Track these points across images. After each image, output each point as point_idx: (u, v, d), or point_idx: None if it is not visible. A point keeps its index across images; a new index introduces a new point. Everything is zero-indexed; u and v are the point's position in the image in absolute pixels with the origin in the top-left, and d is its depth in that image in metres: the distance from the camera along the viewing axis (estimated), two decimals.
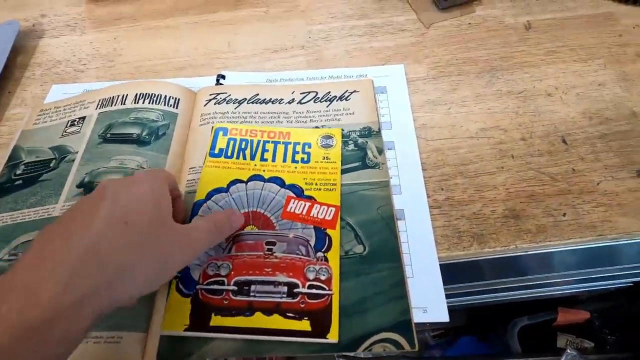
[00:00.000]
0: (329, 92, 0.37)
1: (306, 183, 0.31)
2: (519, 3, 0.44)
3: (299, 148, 0.33)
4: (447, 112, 0.36)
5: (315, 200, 0.30)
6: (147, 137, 0.33)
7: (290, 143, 0.33)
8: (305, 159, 0.32)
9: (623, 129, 0.34)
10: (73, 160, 0.33)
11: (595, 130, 0.34)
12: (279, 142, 0.33)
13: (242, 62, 0.41)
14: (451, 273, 0.29)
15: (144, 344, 0.24)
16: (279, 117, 0.36)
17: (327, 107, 0.36)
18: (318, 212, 0.29)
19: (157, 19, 0.46)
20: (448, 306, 0.26)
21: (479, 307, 0.55)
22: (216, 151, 0.33)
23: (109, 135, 0.34)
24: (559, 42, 0.40)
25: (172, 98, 0.36)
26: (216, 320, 0.25)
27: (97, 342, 0.24)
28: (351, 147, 0.33)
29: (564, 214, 0.29)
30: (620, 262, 0.32)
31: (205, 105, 0.36)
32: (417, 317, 0.26)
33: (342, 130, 0.34)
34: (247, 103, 0.36)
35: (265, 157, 0.32)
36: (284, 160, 0.32)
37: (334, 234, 0.28)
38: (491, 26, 0.42)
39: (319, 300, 0.26)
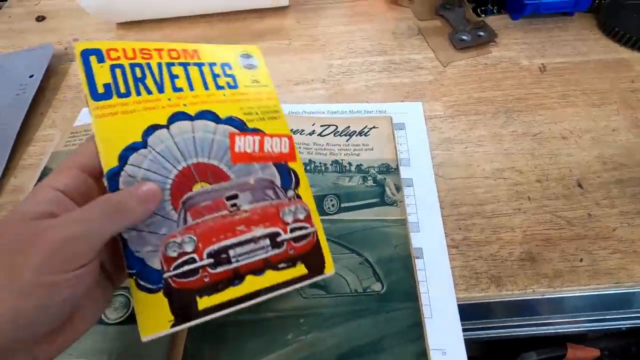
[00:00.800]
0: (349, 127, 0.38)
1: (244, 113, 0.25)
2: (533, 45, 0.45)
3: (217, 70, 0.25)
4: (464, 151, 0.37)
5: (263, 132, 0.25)
6: None
7: (204, 64, 0.25)
8: (232, 84, 0.25)
9: (637, 176, 0.34)
10: None
11: (610, 175, 0.34)
12: (188, 64, 0.25)
13: None
14: (464, 311, 0.29)
15: None
16: (299, 147, 0.37)
17: (346, 141, 0.37)
18: (272, 146, 0.25)
19: None
20: None
21: (486, 341, 0.54)
22: (100, 90, 0.22)
23: None
24: (572, 85, 0.41)
25: None
26: (204, 302, 0.22)
27: None
28: (370, 182, 0.34)
29: (581, 260, 0.30)
30: (634, 305, 0.33)
31: None
32: (437, 358, 0.26)
33: (361, 165, 0.35)
34: None
35: (178, 85, 0.24)
36: (206, 88, 0.24)
37: (297, 166, 0.25)
38: (506, 67, 0.43)
39: (305, 242, 0.24)
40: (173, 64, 0.24)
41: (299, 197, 0.25)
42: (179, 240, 0.22)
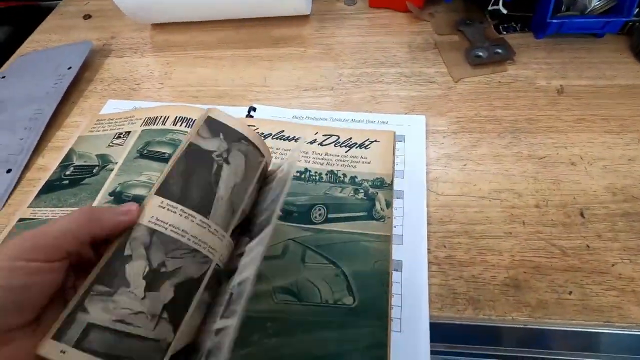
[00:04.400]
0: (350, 138, 0.38)
1: None
2: (554, 66, 0.44)
3: None
4: (463, 168, 0.36)
5: None
6: None
7: None
8: None
9: None
10: (112, 170, 0.37)
11: (618, 207, 0.32)
12: None
13: (273, 96, 0.44)
14: (447, 334, 0.28)
15: None
16: (298, 155, 0.38)
17: (345, 152, 0.37)
18: None
19: (204, 50, 0.51)
20: None
21: None
22: None
23: (145, 152, 0.38)
24: (590, 110, 0.39)
25: None
26: None
27: None
28: (361, 195, 0.34)
29: (570, 292, 0.28)
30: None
31: None
32: None
33: (355, 177, 0.35)
34: (272, 138, 0.39)
35: None
36: None
37: None
38: (521, 87, 0.42)
39: None
40: None
41: None
42: None
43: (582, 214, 0.32)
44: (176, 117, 0.40)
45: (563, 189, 0.34)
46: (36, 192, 0.37)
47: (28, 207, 0.36)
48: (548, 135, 0.37)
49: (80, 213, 0.21)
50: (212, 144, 0.27)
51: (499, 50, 0.45)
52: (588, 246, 0.30)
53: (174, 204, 0.24)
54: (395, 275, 0.30)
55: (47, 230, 0.20)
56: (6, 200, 0.37)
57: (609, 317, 0.27)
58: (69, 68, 0.48)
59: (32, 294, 0.19)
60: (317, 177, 0.36)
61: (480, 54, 0.45)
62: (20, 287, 0.19)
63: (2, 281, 0.18)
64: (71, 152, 0.40)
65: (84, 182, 0.37)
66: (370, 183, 0.35)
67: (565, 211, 0.32)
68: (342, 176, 0.36)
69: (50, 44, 0.55)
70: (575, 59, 0.44)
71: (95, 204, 0.34)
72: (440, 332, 0.27)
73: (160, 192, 0.24)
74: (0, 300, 0.18)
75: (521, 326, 0.28)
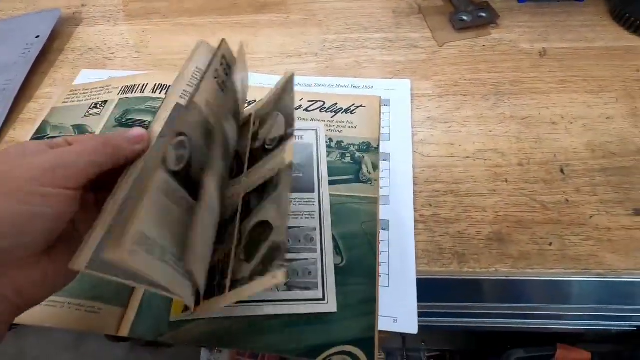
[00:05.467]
0: (336, 104, 0.38)
1: None
2: (537, 29, 0.44)
3: None
4: (448, 130, 0.36)
5: None
6: None
7: None
8: None
9: (626, 165, 0.33)
10: None
11: (597, 163, 0.33)
12: None
13: (257, 63, 0.43)
14: (438, 291, 0.29)
15: (121, 318, 0.26)
16: None
17: (331, 117, 0.37)
18: None
19: (184, 17, 0.49)
20: (438, 326, 0.26)
21: (477, 332, 0.53)
22: None
23: (124, 120, 0.36)
24: (572, 72, 0.40)
25: None
26: None
27: (79, 310, 0.25)
28: (348, 159, 0.34)
29: (550, 244, 0.29)
30: (625, 302, 0.31)
31: None
32: (386, 325, 0.26)
33: (342, 142, 0.35)
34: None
35: None
36: None
37: None
38: (505, 50, 0.42)
39: None
40: None
41: None
42: None
43: (562, 171, 0.33)
44: (155, 84, 0.38)
45: (544, 147, 0.34)
46: None
47: None
48: (531, 97, 0.38)
49: (98, 143, 0.21)
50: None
51: (483, 14, 0.44)
52: (567, 200, 0.31)
53: None
54: (382, 234, 0.30)
55: (72, 159, 0.20)
56: None
57: (587, 265, 0.28)
58: (37, 37, 0.45)
59: (50, 219, 0.19)
60: None
61: (465, 18, 0.44)
62: (35, 214, 0.18)
63: (21, 207, 0.18)
64: (44, 123, 0.38)
65: None
66: (356, 147, 0.35)
67: (546, 168, 0.33)
68: (328, 141, 0.35)
69: (15, 12, 0.52)
70: (557, 22, 0.44)
71: None
72: (425, 288, 0.28)
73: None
74: (17, 227, 0.18)
75: (504, 278, 0.29)
